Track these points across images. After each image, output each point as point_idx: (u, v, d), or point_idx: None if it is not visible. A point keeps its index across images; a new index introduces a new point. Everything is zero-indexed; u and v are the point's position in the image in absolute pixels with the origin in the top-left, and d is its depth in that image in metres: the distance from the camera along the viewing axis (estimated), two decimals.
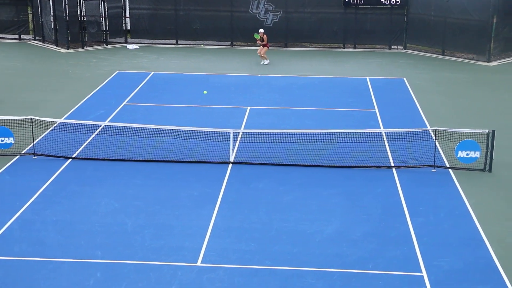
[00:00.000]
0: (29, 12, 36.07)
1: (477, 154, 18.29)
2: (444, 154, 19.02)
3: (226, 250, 13.98)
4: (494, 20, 31.33)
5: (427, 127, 21.08)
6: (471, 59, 32.11)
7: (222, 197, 16.54)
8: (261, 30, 30.76)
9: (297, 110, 23.85)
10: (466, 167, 18.28)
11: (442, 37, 32.88)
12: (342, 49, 34.49)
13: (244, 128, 21.45)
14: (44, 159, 18.74)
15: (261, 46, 30.63)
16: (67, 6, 33.13)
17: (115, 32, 35.38)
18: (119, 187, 17.08)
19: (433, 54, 33.21)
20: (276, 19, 34.70)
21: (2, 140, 18.96)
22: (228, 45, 34.97)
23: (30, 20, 36.10)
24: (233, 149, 18.88)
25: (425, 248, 14.09)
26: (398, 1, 33.70)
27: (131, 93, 25.70)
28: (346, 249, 14.05)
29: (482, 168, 18.22)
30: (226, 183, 17.39)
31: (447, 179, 17.78)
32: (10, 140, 19.00)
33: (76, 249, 13.91)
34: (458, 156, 18.36)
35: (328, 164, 18.46)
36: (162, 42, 35.33)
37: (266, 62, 30.69)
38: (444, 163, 18.65)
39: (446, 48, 32.97)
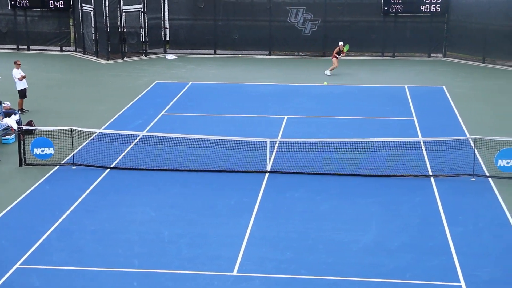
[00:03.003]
0: (71, 24, 36.68)
1: None
2: (484, 163, 18.74)
3: (262, 259, 13.96)
4: None
5: (466, 136, 20.80)
6: None
7: (258, 206, 16.53)
8: (341, 43, 30.31)
9: (335, 119, 23.76)
10: (507, 176, 17.97)
11: (483, 44, 32.45)
12: (380, 58, 34.28)
13: (281, 137, 21.43)
14: (83, 169, 18.98)
15: (337, 58, 30.20)
16: (107, 17, 33.63)
17: (154, 42, 35.74)
18: (156, 196, 17.20)
19: (473, 62, 32.78)
20: (315, 28, 34.65)
21: (42, 151, 19.24)
22: (266, 55, 35.03)
23: (71, 32, 36.71)
24: (269, 158, 18.88)
25: (464, 258, 13.88)
26: (438, 9, 33.36)
27: (169, 103, 25.92)
28: (383, 259, 13.90)
29: None
30: (263, 192, 17.39)
31: (487, 188, 17.50)
32: (50, 150, 19.27)
33: (114, 258, 14.03)
34: (498, 164, 18.06)
35: (366, 173, 18.33)
36: (200, 52, 35.56)
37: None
38: (484, 172, 18.36)
39: (487, 55, 32.53)
